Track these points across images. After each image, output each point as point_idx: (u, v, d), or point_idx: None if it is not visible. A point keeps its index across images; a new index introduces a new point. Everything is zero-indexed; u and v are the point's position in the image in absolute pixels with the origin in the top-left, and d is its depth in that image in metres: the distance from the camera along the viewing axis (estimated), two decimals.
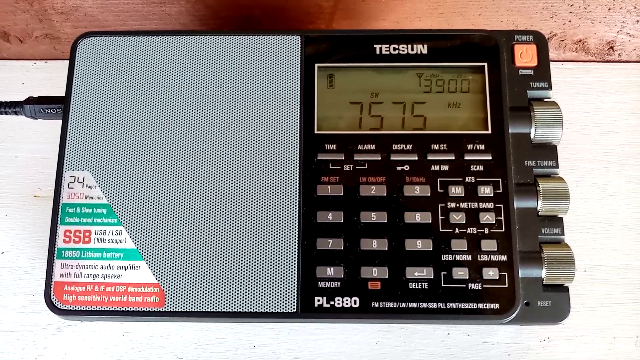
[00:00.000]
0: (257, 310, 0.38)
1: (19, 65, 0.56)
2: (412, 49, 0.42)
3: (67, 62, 0.55)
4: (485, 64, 0.42)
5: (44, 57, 0.57)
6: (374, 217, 0.39)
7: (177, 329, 0.43)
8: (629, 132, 0.50)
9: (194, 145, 0.41)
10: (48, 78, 0.55)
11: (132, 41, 0.43)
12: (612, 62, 0.55)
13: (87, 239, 0.39)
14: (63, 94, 0.44)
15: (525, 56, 0.42)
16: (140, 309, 0.38)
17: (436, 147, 0.41)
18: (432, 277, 0.38)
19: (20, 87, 0.54)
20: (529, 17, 0.52)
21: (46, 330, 0.44)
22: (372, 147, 0.41)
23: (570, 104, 0.50)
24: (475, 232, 0.39)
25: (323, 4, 0.52)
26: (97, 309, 0.38)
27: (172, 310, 0.38)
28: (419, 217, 0.39)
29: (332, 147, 0.41)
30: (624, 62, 0.55)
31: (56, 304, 0.38)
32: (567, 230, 0.40)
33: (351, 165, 0.40)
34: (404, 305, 0.38)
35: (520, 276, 0.38)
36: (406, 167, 0.40)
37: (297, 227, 0.39)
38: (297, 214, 0.39)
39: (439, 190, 0.40)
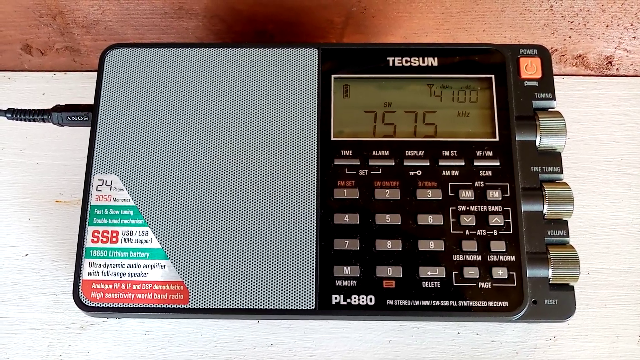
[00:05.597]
0: (278, 307, 0.39)
1: (39, 76, 0.57)
2: (424, 62, 0.44)
3: (86, 73, 0.58)
4: (493, 76, 0.44)
5: (63, 69, 0.58)
6: (388, 219, 0.41)
7: (197, 327, 0.44)
8: (628, 142, 0.52)
9: (215, 151, 0.42)
10: (68, 89, 0.57)
11: (157, 53, 0.45)
12: (611, 76, 0.57)
13: (114, 239, 0.41)
14: (82, 103, 0.46)
15: (530, 69, 0.44)
16: (165, 306, 0.39)
17: (447, 153, 0.42)
18: (444, 276, 0.40)
19: (41, 97, 0.56)
20: (531, 33, 0.54)
21: (70, 329, 0.45)
22: (386, 153, 0.42)
23: (571, 116, 0.51)
24: (484, 233, 0.41)
25: (334, 20, 0.54)
26: (124, 306, 0.40)
27: (196, 307, 0.39)
28: (431, 220, 0.41)
29: (348, 153, 0.43)
30: (622, 76, 0.57)
31: (84, 302, 0.40)
32: (570, 235, 0.41)
33: (366, 170, 0.42)
34: (417, 303, 0.39)
35: (527, 275, 0.40)
36: (418, 172, 0.42)
37: (315, 228, 0.41)
38: (315, 216, 0.41)
39: (450, 194, 0.41)
